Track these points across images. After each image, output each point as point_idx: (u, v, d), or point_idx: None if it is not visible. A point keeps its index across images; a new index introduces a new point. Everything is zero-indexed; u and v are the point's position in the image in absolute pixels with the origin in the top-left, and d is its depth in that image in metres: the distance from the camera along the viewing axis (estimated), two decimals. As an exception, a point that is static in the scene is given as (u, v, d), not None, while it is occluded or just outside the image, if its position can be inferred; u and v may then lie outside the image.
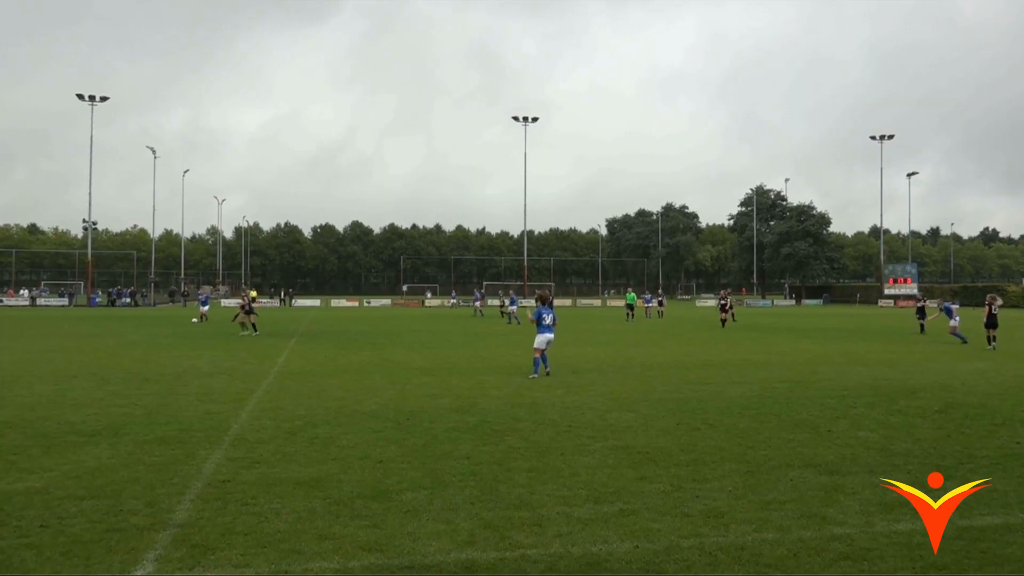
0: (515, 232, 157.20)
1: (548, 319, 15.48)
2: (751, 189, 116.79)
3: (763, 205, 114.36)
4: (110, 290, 79.40)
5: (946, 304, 27.92)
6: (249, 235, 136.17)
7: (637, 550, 5.38)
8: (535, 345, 15.40)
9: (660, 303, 49.02)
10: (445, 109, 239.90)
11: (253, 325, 28.78)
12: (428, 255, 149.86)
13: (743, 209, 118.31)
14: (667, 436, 9.41)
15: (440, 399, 12.41)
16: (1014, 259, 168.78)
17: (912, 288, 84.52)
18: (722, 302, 36.03)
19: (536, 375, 15.14)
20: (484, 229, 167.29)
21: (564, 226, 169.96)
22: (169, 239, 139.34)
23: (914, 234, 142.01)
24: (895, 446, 8.88)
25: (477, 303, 53.96)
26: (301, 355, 20.50)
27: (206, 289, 65.64)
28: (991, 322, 23.85)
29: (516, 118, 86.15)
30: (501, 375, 15.86)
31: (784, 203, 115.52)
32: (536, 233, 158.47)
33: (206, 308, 38.46)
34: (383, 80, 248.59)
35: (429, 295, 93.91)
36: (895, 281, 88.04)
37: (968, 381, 15.04)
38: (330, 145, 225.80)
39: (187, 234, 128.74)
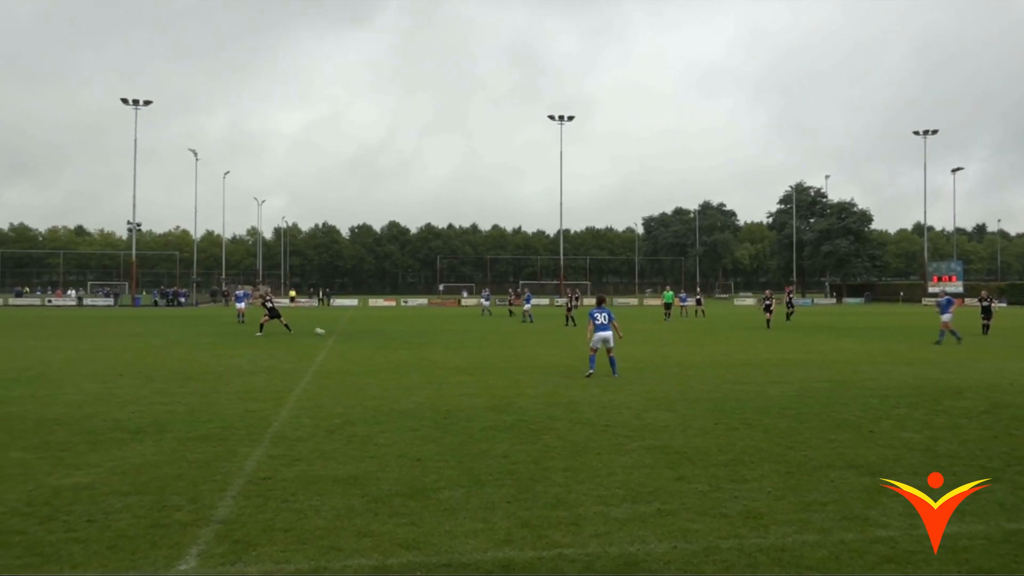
0: (551, 231, 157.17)
1: (601, 318, 15.45)
2: (790, 186, 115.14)
3: (803, 202, 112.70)
4: (167, 290, 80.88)
5: (946, 297, 25.54)
6: (288, 235, 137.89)
7: (675, 550, 5.35)
8: (590, 344, 15.43)
9: (698, 302, 48.55)
10: (484, 108, 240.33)
11: (261, 325, 29.15)
12: (464, 254, 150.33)
13: (782, 207, 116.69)
14: (705, 436, 9.33)
15: (477, 398, 12.45)
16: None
17: (958, 286, 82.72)
18: (767, 302, 35.18)
19: (592, 371, 15.13)
20: (520, 228, 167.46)
21: (601, 224, 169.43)
22: (210, 240, 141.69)
23: (959, 231, 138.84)
24: (940, 447, 8.70)
25: (485, 302, 52.22)
26: (339, 354, 20.71)
27: (246, 287, 66.56)
28: None
29: (552, 117, 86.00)
30: (537, 374, 15.86)
31: (824, 200, 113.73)
32: (572, 232, 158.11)
33: (242, 305, 38.86)
34: (423, 80, 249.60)
35: (466, 294, 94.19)
36: (939, 279, 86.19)
37: (1016, 381, 14.68)
38: (370, 145, 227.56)
39: (228, 235, 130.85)
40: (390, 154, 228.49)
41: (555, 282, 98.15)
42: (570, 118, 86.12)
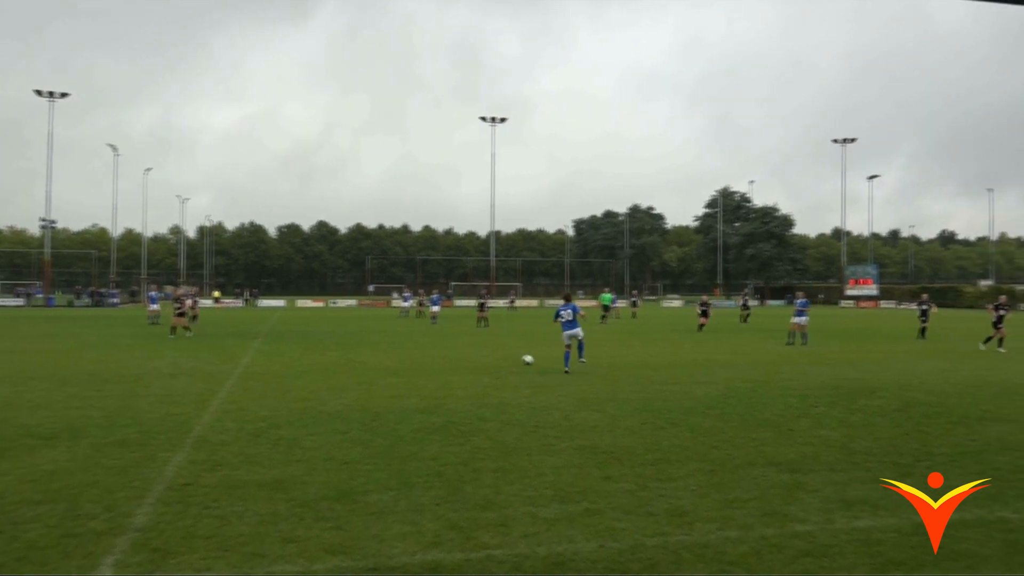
0: (483, 232, 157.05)
1: (566, 315, 16.58)
2: (716, 191, 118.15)
3: (728, 207, 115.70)
4: (100, 290, 77.53)
5: (803, 300, 26.06)
6: (212, 234, 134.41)
7: (602, 549, 5.41)
8: (565, 342, 16.62)
9: (634, 304, 49.70)
10: (423, 107, 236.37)
11: (185, 327, 28.28)
12: (395, 255, 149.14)
13: (708, 211, 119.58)
14: (632, 436, 9.47)
15: (406, 400, 12.36)
16: (970, 260, 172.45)
17: (873, 289, 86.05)
18: (704, 307, 34.82)
19: (568, 369, 16.23)
20: (452, 229, 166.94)
21: (535, 226, 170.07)
22: (130, 238, 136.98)
23: (875, 236, 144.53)
24: (855, 444, 9.03)
25: (406, 304, 49.29)
26: (265, 356, 20.28)
27: (164, 289, 64.44)
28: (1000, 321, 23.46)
29: (484, 118, 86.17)
30: (468, 375, 15.85)
31: (748, 205, 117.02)
32: (503, 233, 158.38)
33: (155, 307, 37.63)
34: (361, 78, 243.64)
35: (396, 295, 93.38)
36: (856, 282, 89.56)
37: (927, 380, 15.34)
38: (304, 144, 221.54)
39: (149, 233, 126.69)
40: (327, 153, 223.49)
41: (486, 283, 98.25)
42: (502, 120, 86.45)
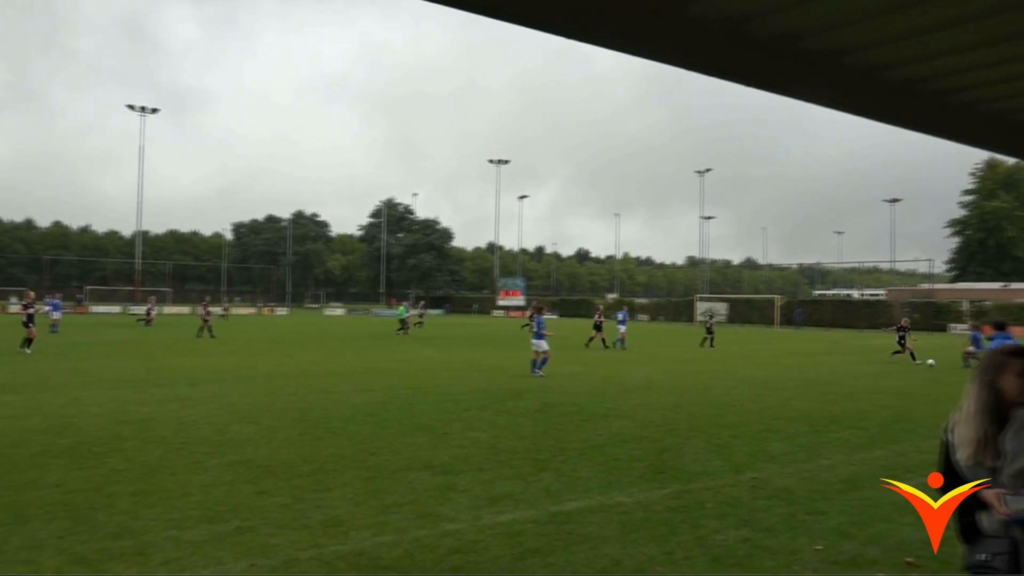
0: (127, 231, 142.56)
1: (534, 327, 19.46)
2: (381, 201, 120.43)
3: (393, 218, 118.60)
4: None
5: (624, 313, 30.84)
6: None
7: (253, 568, 5.18)
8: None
9: (420, 316, 48.38)
10: (70, 87, 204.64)
11: (28, 340, 23.05)
12: (15, 253, 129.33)
13: (373, 220, 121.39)
14: (290, 447, 9.22)
15: (25, 420, 10.75)
16: (600, 276, 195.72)
17: (521, 300, 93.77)
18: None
19: (534, 374, 18.41)
20: (89, 227, 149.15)
21: (192, 228, 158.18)
22: None
23: (524, 251, 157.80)
24: (502, 444, 9.71)
25: (56, 314, 35.50)
26: None
27: None
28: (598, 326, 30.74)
29: (132, 107, 78.62)
30: (104, 389, 14.24)
31: (412, 217, 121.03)
32: (152, 234, 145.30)
33: None
34: None
35: (14, 300, 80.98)
36: (507, 293, 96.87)
37: (564, 383, 17.04)
38: None
39: None
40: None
41: (130, 288, 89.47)
42: (154, 111, 79.73)
